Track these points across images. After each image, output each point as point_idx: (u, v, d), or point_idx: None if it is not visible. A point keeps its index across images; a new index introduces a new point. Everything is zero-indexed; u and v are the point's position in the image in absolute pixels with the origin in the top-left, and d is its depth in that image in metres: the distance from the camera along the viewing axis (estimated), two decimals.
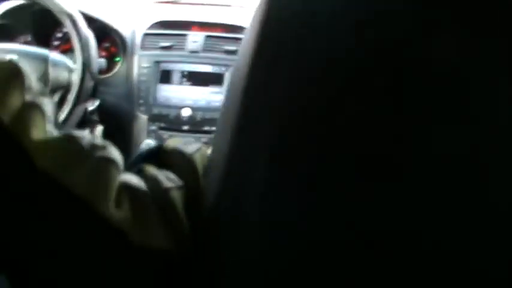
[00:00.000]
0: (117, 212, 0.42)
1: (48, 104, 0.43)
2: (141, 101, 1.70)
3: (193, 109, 1.67)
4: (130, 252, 0.42)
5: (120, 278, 0.42)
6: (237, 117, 0.41)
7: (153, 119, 1.70)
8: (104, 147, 0.44)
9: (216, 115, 1.66)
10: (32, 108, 0.41)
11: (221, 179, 0.43)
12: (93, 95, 1.66)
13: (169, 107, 1.69)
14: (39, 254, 0.41)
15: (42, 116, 0.42)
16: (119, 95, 1.72)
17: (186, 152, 0.51)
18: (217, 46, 1.69)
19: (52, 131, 0.42)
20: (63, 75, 1.52)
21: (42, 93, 0.43)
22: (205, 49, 1.69)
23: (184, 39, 1.71)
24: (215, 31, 1.72)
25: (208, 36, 1.70)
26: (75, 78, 1.51)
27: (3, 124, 0.39)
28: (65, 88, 1.53)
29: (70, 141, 0.43)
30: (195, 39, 1.70)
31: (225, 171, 0.42)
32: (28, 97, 0.42)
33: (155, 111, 1.69)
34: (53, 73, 1.50)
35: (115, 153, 0.45)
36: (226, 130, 0.42)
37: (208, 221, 0.44)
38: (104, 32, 1.71)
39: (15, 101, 0.41)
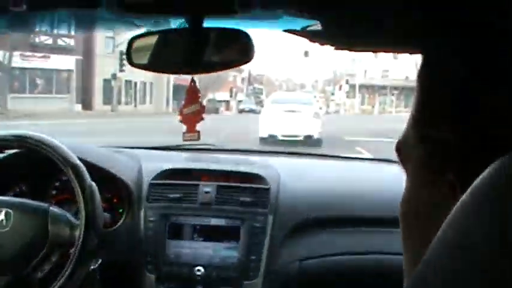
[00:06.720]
0: None
1: None
2: (149, 259, 1.51)
3: (207, 268, 1.49)
4: None
5: None
6: None
7: (162, 279, 1.51)
8: None
9: (233, 274, 1.48)
10: None
11: None
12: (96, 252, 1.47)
13: (180, 265, 1.51)
14: None
15: None
16: (123, 252, 1.54)
17: None
18: (231, 197, 1.56)
19: None
20: (64, 232, 1.35)
21: None
22: (219, 201, 1.55)
23: (195, 189, 1.57)
24: (229, 181, 1.60)
25: (221, 187, 1.57)
26: (78, 234, 1.33)
27: None
28: (66, 246, 1.34)
29: None
30: (206, 189, 1.56)
31: None
32: None
33: (165, 270, 1.50)
34: (53, 229, 1.32)
35: None
36: None
37: None
38: (104, 181, 1.55)
39: None
